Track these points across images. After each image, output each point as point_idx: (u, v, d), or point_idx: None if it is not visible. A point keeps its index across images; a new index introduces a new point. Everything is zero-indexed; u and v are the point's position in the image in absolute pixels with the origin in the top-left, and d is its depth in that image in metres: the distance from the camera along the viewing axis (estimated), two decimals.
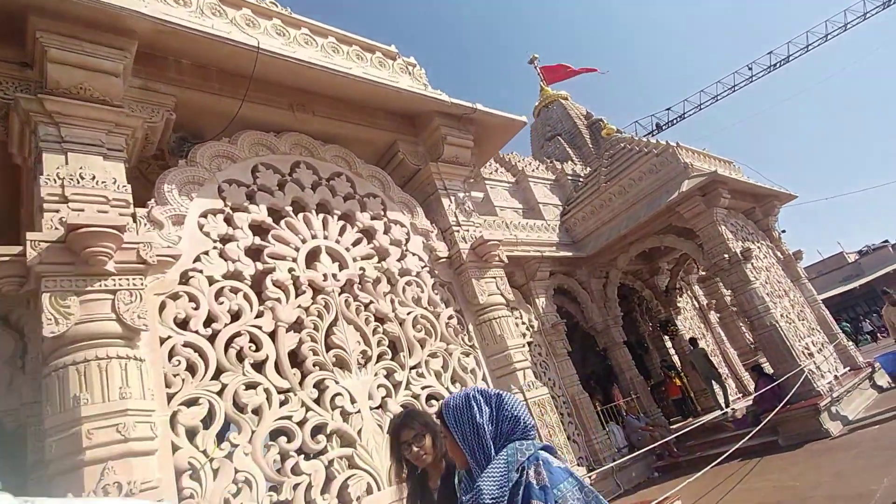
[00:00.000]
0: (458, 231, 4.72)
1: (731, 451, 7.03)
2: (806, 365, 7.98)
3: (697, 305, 13.46)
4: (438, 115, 4.83)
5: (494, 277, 4.69)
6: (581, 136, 20.82)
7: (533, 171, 12.01)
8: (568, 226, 11.13)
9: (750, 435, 7.52)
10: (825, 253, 46.25)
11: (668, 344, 12.64)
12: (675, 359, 12.31)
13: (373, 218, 4.33)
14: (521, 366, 4.36)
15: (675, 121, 42.46)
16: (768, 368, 8.73)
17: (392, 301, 4.04)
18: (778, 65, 40.92)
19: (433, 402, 3.79)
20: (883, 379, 9.48)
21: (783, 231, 10.88)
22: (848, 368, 9.58)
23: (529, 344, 8.89)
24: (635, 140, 10.87)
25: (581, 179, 12.30)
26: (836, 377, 8.91)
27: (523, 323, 9.04)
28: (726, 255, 8.63)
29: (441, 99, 4.62)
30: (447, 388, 3.92)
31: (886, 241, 37.53)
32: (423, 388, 3.84)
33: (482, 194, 9.37)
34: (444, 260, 4.56)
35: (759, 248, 10.07)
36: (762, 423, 7.42)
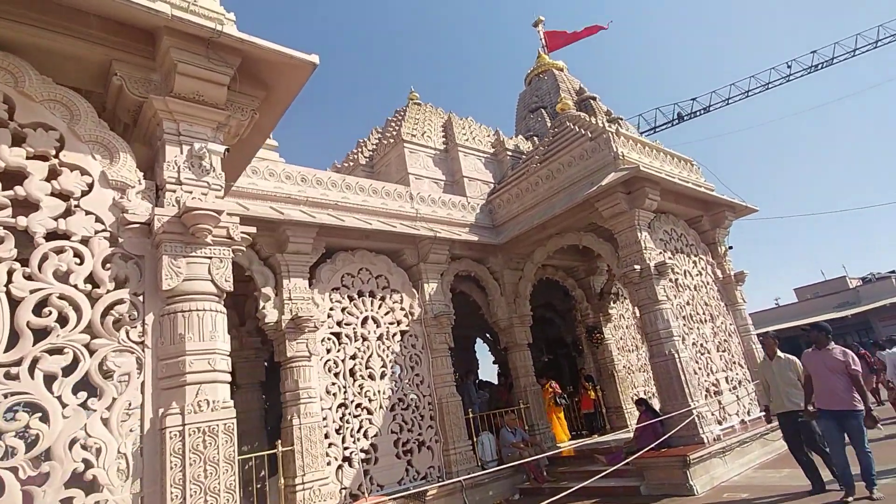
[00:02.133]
0: (174, 191, 3.55)
1: (576, 489, 6.02)
2: (697, 406, 6.81)
3: (637, 315, 12.21)
4: (169, 32, 3.57)
5: (209, 259, 3.54)
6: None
7: (466, 139, 10.62)
8: (492, 207, 9.86)
9: (613, 473, 6.48)
10: (829, 274, 44.33)
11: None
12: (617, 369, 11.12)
13: (31, 157, 3.18)
14: (197, 378, 3.25)
15: (698, 112, 39.86)
16: (658, 402, 7.58)
17: (10, 273, 2.93)
18: (820, 66, 37.86)
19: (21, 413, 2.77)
20: None
21: (730, 247, 9.50)
22: (763, 412, 8.37)
23: (403, 333, 7.83)
24: (581, 119, 9.43)
25: (522, 157, 10.92)
26: (742, 422, 7.74)
27: (402, 309, 7.94)
28: (637, 267, 7.36)
29: (162, 12, 3.37)
30: (59, 397, 2.89)
31: (893, 272, 35.52)
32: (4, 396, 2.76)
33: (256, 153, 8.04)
34: (136, 226, 3.40)
35: (693, 263, 8.76)
36: (620, 464, 6.36)
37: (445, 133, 11.00)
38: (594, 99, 20.60)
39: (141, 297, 3.38)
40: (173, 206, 3.53)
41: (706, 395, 7.39)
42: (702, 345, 7.89)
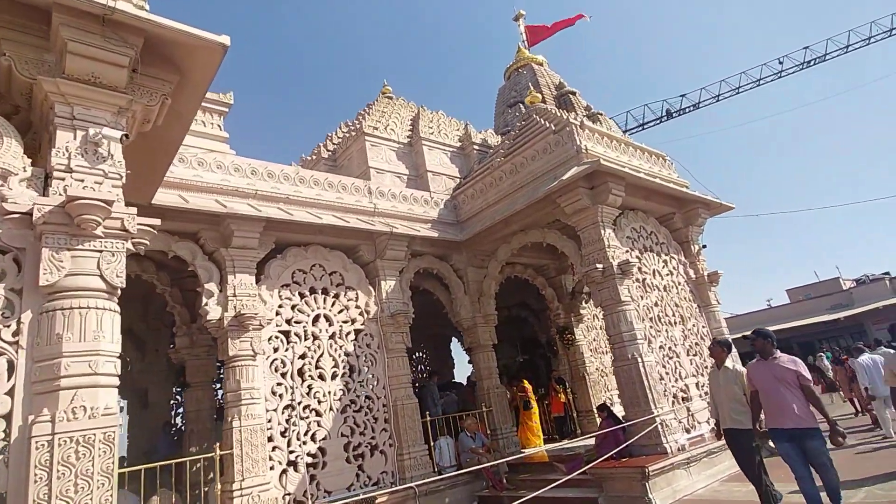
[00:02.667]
0: (63, 179, 3.26)
1: (528, 498, 5.72)
2: (661, 413, 6.52)
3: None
4: (59, 9, 3.27)
5: (99, 253, 3.25)
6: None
7: (431, 133, 10.30)
8: (457, 202, 9.55)
9: (573, 482, 6.20)
10: (822, 275, 44.03)
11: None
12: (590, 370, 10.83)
13: None
14: (73, 383, 2.96)
15: (688, 109, 39.46)
16: (621, 408, 7.30)
17: None
18: (812, 62, 37.39)
19: None
20: None
21: (704, 246, 9.20)
22: (715, 428, 8.08)
23: (358, 332, 7.53)
24: (549, 112, 9.14)
25: (490, 151, 10.62)
26: (711, 429, 7.44)
27: (357, 307, 7.65)
28: (599, 266, 7.06)
29: None
30: None
31: (887, 273, 35.27)
32: None
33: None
34: (16, 216, 3.10)
35: (664, 262, 8.46)
36: (575, 473, 6.07)
37: (413, 127, 10.69)
38: (574, 94, 20.30)
39: (18, 294, 3.09)
40: (60, 194, 3.24)
41: (673, 402, 7.11)
42: (670, 348, 7.60)
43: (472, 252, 9.33)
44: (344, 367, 7.19)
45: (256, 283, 6.71)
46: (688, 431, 7.04)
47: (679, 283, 8.58)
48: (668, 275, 8.41)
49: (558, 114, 8.66)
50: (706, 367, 8.13)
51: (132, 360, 9.06)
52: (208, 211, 6.16)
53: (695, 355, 8.04)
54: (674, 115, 39.81)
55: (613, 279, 6.97)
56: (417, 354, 15.92)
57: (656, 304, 7.80)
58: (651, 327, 7.45)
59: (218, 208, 6.26)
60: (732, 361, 5.35)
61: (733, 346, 4.61)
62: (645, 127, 39.88)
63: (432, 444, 7.75)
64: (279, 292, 6.93)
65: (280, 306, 6.89)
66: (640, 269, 7.84)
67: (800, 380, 4.26)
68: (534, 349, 13.55)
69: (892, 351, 6.52)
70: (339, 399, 7.00)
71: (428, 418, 7.79)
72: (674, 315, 8.06)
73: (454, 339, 15.03)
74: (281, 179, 7.42)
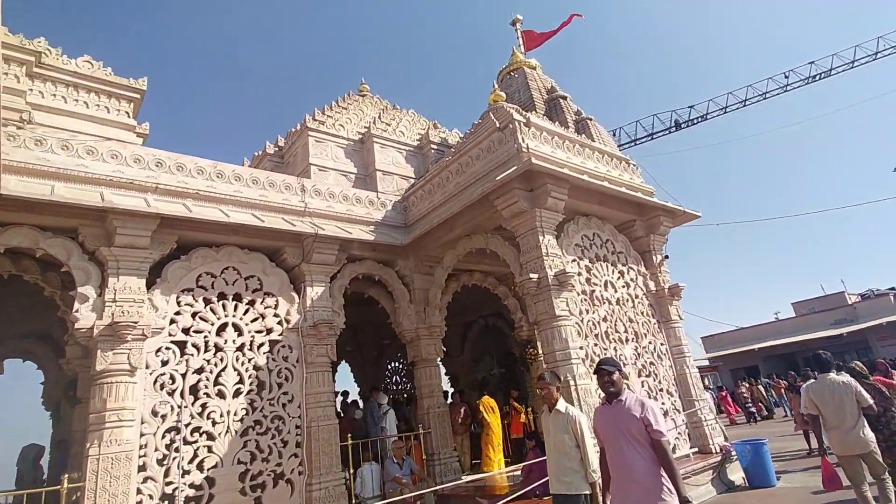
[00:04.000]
0: None
1: None
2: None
3: None
4: None
5: None
6: (535, 110, 18.16)
7: (384, 130, 9.63)
8: (407, 204, 8.86)
9: None
10: (829, 289, 42.71)
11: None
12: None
13: None
14: None
15: (696, 120, 38.92)
16: None
17: None
18: (819, 76, 36.81)
19: None
20: (737, 474, 7.17)
21: (666, 256, 8.42)
22: (695, 450, 7.30)
23: (274, 344, 6.84)
24: (503, 110, 8.42)
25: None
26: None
27: (276, 315, 6.96)
28: (533, 276, 6.32)
29: None
30: None
31: (893, 289, 34.06)
32: None
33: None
34: None
35: (619, 273, 7.70)
36: None
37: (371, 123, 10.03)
38: (564, 98, 19.60)
39: None
40: None
41: None
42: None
43: (420, 258, 8.63)
44: (251, 383, 6.49)
45: (149, 287, 6.04)
46: None
47: (636, 297, 7.81)
48: (623, 287, 7.65)
49: (510, 112, 7.95)
50: (661, 390, 7.36)
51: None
52: (85, 205, 5.51)
53: (648, 376, 7.26)
54: (682, 125, 39.21)
55: (549, 291, 6.22)
56: (393, 365, 15.27)
57: (604, 320, 7.04)
58: (596, 345, 6.69)
59: (92, 201, 5.59)
60: (567, 403, 3.96)
61: (619, 367, 3.28)
62: (654, 137, 39.22)
63: (352, 471, 7.01)
64: (178, 298, 6.25)
65: (177, 313, 6.20)
66: (588, 280, 7.11)
67: (649, 431, 2.97)
68: (513, 362, 12.82)
69: (841, 379, 5.22)
70: (241, 420, 6.28)
71: (349, 442, 7.05)
72: (626, 331, 7.29)
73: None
74: (193, 173, 6.76)
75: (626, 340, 7.22)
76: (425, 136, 10.05)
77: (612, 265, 7.65)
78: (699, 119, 38.68)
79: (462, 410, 8.66)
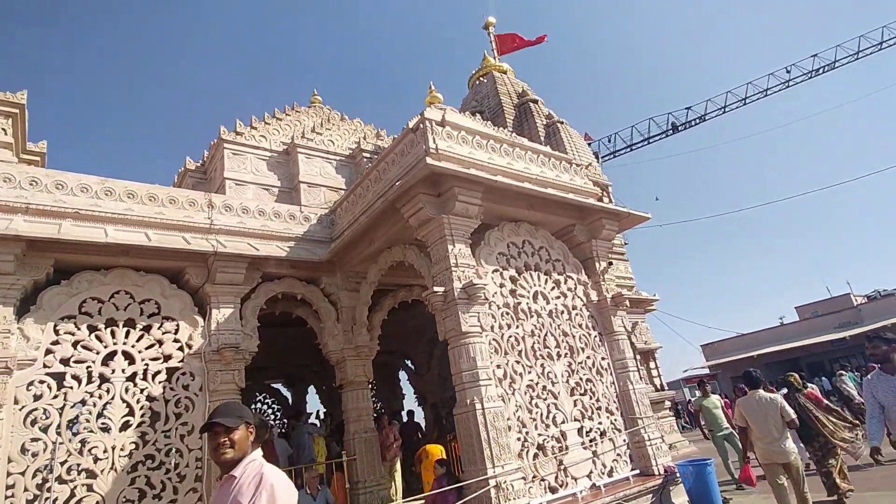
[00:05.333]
0: None
1: None
2: (501, 474, 5.13)
3: None
4: None
5: None
6: (503, 115, 17.75)
7: (310, 140, 9.19)
8: (334, 217, 8.38)
9: None
10: (835, 291, 41.55)
11: None
12: None
13: None
14: None
15: (694, 121, 38.45)
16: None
17: None
18: (822, 70, 36.10)
19: None
20: (681, 497, 6.51)
21: (609, 263, 7.83)
22: (636, 472, 6.64)
23: (173, 372, 6.35)
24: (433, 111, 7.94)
25: None
26: (594, 486, 6.02)
27: (176, 341, 6.47)
28: (438, 289, 5.78)
29: None
30: None
31: None
32: None
33: None
34: None
35: (554, 283, 7.13)
36: None
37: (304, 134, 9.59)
38: (535, 102, 19.19)
39: None
40: None
41: (535, 455, 5.72)
42: (544, 387, 6.22)
43: (346, 274, 8.12)
44: (143, 415, 5.97)
45: (20, 315, 5.58)
46: (553, 491, 5.63)
47: (574, 308, 7.22)
48: (558, 298, 7.06)
49: (433, 112, 7.47)
50: (598, 408, 6.73)
51: None
52: None
53: (583, 394, 6.63)
54: (679, 128, 38.68)
55: (455, 306, 5.66)
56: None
57: (532, 334, 6.45)
58: (518, 362, 6.10)
59: None
60: None
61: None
62: (650, 141, 38.71)
63: None
64: (55, 326, 5.78)
65: (55, 343, 5.73)
66: (513, 291, 6.55)
67: None
68: None
69: (767, 396, 5.21)
70: (129, 455, 5.76)
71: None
72: (559, 346, 6.69)
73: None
74: (75, 191, 6.33)
75: (558, 356, 6.62)
76: (357, 146, 9.59)
77: (545, 274, 7.08)
78: (697, 121, 38.15)
79: (392, 433, 8.05)
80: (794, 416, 5.07)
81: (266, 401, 14.77)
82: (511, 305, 6.41)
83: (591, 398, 6.69)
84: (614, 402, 6.99)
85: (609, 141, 38.75)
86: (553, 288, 7.08)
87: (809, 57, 34.42)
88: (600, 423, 6.61)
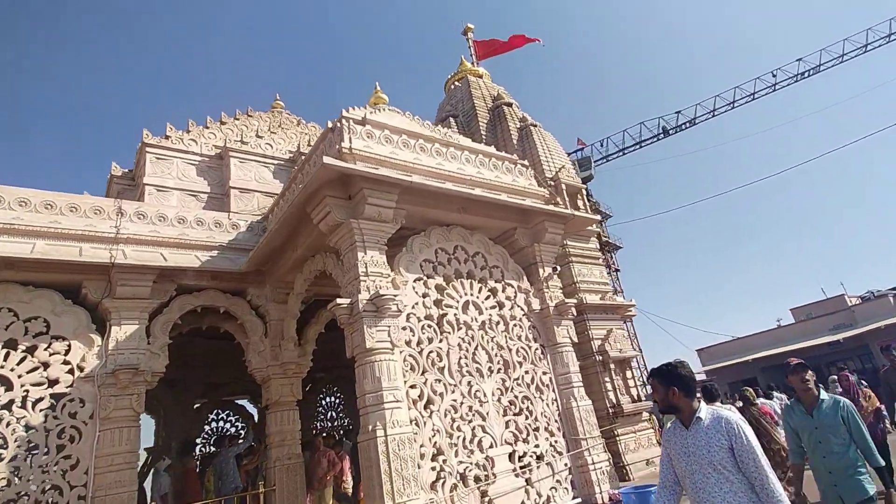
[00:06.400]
0: None
1: None
2: None
3: None
4: None
5: None
6: (476, 119, 17.26)
7: (244, 144, 8.64)
8: (267, 224, 7.80)
9: None
10: (829, 292, 40.84)
11: None
12: None
13: None
14: None
15: (684, 125, 38.33)
16: None
17: None
18: (807, 73, 36.14)
19: None
20: None
21: (555, 269, 7.23)
22: (577, 501, 6.01)
23: (59, 398, 5.76)
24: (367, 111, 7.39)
25: None
26: None
27: (66, 363, 5.89)
28: (344, 302, 5.19)
29: None
30: None
31: (893, 289, 32.27)
32: None
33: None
34: None
35: (490, 292, 6.54)
36: None
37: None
38: (509, 105, 18.67)
39: None
40: None
41: (454, 486, 5.10)
42: (469, 408, 5.61)
43: (276, 284, 7.53)
44: (19, 448, 5.37)
45: None
46: None
47: (513, 318, 6.63)
48: (493, 307, 6.48)
49: (362, 113, 6.92)
50: (536, 429, 6.13)
51: None
52: None
53: (517, 414, 6.02)
54: (670, 132, 38.52)
55: (361, 319, 5.07)
56: (328, 400, 14.12)
57: (459, 348, 5.85)
58: (439, 381, 5.51)
59: None
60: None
61: None
62: (642, 145, 38.47)
63: None
64: None
65: None
66: (439, 302, 5.96)
67: None
68: None
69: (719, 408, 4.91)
70: None
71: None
72: (491, 360, 6.09)
73: None
74: None
75: (490, 372, 6.02)
76: (296, 150, 9.04)
77: (479, 282, 6.50)
78: (687, 125, 37.97)
79: (327, 459, 7.42)
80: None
81: (229, 419, 14.07)
82: (435, 317, 5.83)
83: (527, 418, 6.08)
84: (555, 421, 6.38)
85: (602, 145, 38.43)
86: (488, 297, 6.50)
87: (795, 61, 34.41)
88: (537, 445, 5.99)
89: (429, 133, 6.86)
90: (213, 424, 12.99)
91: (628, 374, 14.08)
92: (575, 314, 7.07)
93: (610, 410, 11.73)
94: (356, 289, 5.25)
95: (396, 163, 6.02)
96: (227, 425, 13.98)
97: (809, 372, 3.24)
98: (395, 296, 5.23)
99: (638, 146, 37.99)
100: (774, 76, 35.33)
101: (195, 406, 12.56)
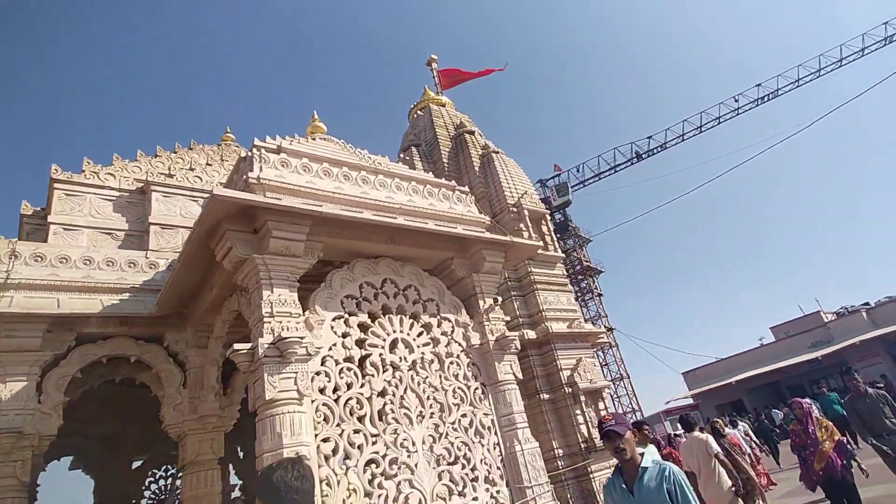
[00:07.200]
0: None
1: None
2: None
3: None
4: None
5: None
6: (438, 147, 17.05)
7: (169, 178, 8.14)
8: None
9: None
10: (806, 309, 40.98)
11: None
12: None
13: None
14: None
15: (655, 150, 39.09)
16: None
17: None
18: (766, 98, 37.43)
19: None
20: None
21: (495, 300, 6.74)
22: None
23: None
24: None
25: None
26: None
27: None
28: (241, 347, 4.64)
29: None
30: None
31: (867, 304, 32.51)
32: None
33: None
34: None
35: (423, 328, 6.02)
36: None
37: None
38: (471, 133, 18.53)
39: None
40: None
41: None
42: (394, 461, 5.01)
43: (197, 328, 6.92)
44: None
45: None
46: None
47: (451, 355, 6.10)
48: (426, 345, 5.95)
49: (278, 142, 6.49)
50: (474, 479, 5.52)
51: None
52: None
53: (452, 463, 5.42)
54: (643, 156, 39.23)
55: (262, 366, 4.50)
56: None
57: (384, 393, 5.29)
58: (357, 432, 4.92)
59: None
60: None
61: None
62: (617, 169, 39.00)
63: None
64: None
65: None
66: (362, 342, 5.42)
67: None
68: None
69: (699, 436, 5.38)
70: None
71: None
72: (422, 405, 5.52)
73: None
74: None
75: (422, 417, 5.44)
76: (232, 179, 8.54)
77: (411, 318, 5.99)
78: (658, 149, 38.75)
79: None
80: (717, 449, 5.28)
81: (179, 476, 12.97)
82: (356, 359, 5.27)
83: (464, 467, 5.49)
84: (498, 468, 5.78)
85: (578, 170, 38.85)
86: (421, 333, 5.97)
87: (754, 86, 35.65)
88: (475, 498, 5.38)
89: (355, 161, 6.45)
90: (161, 483, 11.89)
91: (601, 405, 13.49)
92: (518, 348, 6.54)
93: (582, 445, 11.11)
94: (259, 332, 4.69)
95: (313, 192, 5.57)
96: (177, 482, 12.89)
97: (628, 434, 2.45)
98: (303, 338, 4.69)
99: (613, 171, 38.54)
100: (736, 101, 36.57)
101: (135, 464, 11.53)
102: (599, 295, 34.75)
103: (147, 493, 11.13)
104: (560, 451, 10.57)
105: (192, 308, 6.77)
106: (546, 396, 11.21)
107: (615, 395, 31.41)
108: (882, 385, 22.33)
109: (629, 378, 33.37)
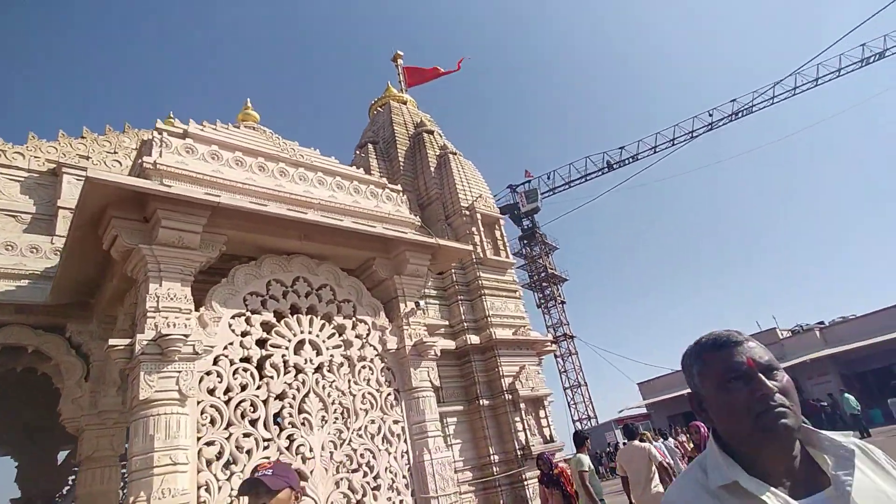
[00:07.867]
0: None
1: None
2: None
3: None
4: None
5: None
6: (395, 145, 16.84)
7: (85, 160, 7.75)
8: None
9: None
10: (763, 325, 42.00)
11: None
12: None
13: None
14: None
15: (627, 161, 39.36)
16: None
17: None
18: (740, 113, 37.95)
19: None
20: None
21: (417, 304, 6.57)
22: None
23: None
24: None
25: None
26: None
27: None
28: (118, 343, 4.37)
29: None
30: None
31: (821, 323, 33.40)
32: None
33: None
34: None
35: (334, 330, 5.81)
36: None
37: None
38: (430, 133, 18.37)
39: None
40: None
41: None
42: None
43: (103, 319, 6.56)
44: None
45: None
46: None
47: (363, 359, 5.91)
48: (336, 347, 5.74)
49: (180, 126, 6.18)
50: (377, 487, 5.33)
51: None
52: None
53: (353, 471, 5.23)
54: (614, 166, 39.48)
55: (140, 364, 4.23)
56: None
57: (282, 396, 5.06)
58: (248, 435, 4.68)
59: None
60: None
61: None
62: (587, 178, 39.21)
63: None
64: None
65: None
66: (263, 341, 5.18)
67: None
68: None
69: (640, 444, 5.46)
70: None
71: None
72: (325, 409, 5.31)
73: None
74: None
75: (323, 422, 5.23)
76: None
77: (323, 318, 5.77)
78: (630, 160, 39.07)
79: None
80: (661, 459, 5.37)
81: None
82: (255, 360, 5.04)
83: (365, 475, 5.30)
84: (403, 477, 5.61)
85: (549, 178, 38.98)
86: (332, 335, 5.76)
87: (729, 101, 36.14)
88: None
89: (273, 152, 6.20)
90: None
91: (541, 413, 13.45)
92: (438, 354, 6.39)
93: (518, 452, 11.06)
94: (142, 327, 4.42)
95: (219, 182, 5.33)
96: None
97: (284, 494, 1.73)
98: (188, 336, 4.43)
99: (584, 179, 38.80)
100: (711, 115, 37.08)
101: (59, 456, 11.03)
102: (563, 302, 34.94)
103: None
104: (496, 457, 10.49)
105: (98, 298, 6.43)
106: (486, 402, 11.13)
107: (572, 402, 31.59)
108: (826, 404, 22.82)
109: (587, 386, 33.60)
